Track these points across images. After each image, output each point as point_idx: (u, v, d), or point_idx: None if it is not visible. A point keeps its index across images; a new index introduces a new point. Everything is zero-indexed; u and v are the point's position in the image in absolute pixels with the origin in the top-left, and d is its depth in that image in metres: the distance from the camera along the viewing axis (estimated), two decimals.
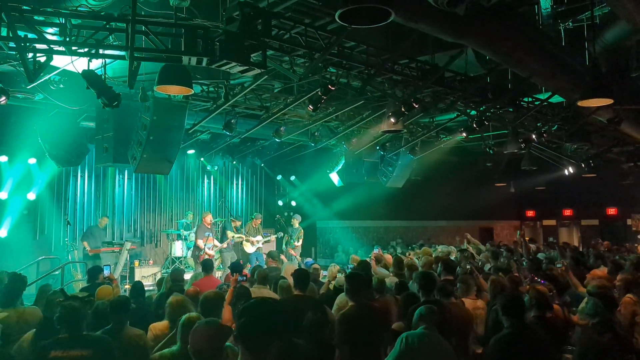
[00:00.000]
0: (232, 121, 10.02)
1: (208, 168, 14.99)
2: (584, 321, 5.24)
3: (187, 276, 8.41)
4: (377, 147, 13.59)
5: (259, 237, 12.66)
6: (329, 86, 7.84)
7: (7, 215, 10.71)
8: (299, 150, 14.84)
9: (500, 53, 7.63)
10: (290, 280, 5.84)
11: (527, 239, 16.80)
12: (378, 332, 4.62)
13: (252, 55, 6.42)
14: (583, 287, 6.20)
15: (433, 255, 8.68)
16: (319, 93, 8.09)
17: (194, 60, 6.05)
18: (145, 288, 10.32)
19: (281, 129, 11.14)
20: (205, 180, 15.25)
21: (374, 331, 4.60)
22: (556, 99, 10.20)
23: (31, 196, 11.02)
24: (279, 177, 16.62)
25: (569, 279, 6.64)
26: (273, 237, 13.39)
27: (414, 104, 8.76)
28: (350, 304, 4.70)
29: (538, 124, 11.37)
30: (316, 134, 12.08)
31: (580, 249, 13.25)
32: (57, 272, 10.37)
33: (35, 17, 5.64)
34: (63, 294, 4.26)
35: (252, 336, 2.40)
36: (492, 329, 4.89)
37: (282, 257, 11.51)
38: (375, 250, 8.64)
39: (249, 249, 12.52)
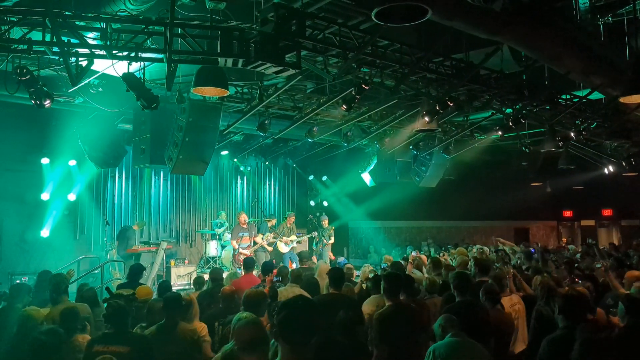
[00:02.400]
0: (266, 122, 10.11)
1: (241, 169, 15.17)
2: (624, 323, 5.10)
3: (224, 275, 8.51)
4: (410, 147, 13.49)
5: (293, 237, 12.71)
6: (363, 85, 7.82)
7: (49, 215, 11.03)
8: (331, 151, 14.86)
9: (537, 50, 7.49)
10: (325, 279, 5.86)
11: (564, 240, 16.49)
12: (416, 332, 4.59)
13: (286, 56, 6.47)
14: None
15: (469, 256, 8.56)
16: (353, 92, 8.09)
17: (229, 61, 6.13)
18: (181, 287, 10.66)
19: (314, 129, 11.18)
20: (239, 181, 15.44)
21: (412, 331, 4.57)
22: (595, 95, 9.94)
23: (71, 197, 11.33)
24: (310, 178, 16.67)
25: (609, 281, 6.47)
26: (305, 238, 13.47)
27: (449, 103, 8.67)
28: (387, 304, 4.69)
29: (576, 122, 11.10)
30: (349, 134, 12.07)
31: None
32: (96, 271, 10.67)
33: (77, 22, 5.80)
34: (108, 292, 4.37)
35: (291, 330, 2.40)
36: (537, 329, 4.81)
37: (314, 258, 11.52)
38: (414, 253, 8.57)
39: (282, 249, 12.59)
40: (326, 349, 2.87)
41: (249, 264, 7.34)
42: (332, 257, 12.93)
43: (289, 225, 12.87)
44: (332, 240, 13.45)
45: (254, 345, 2.73)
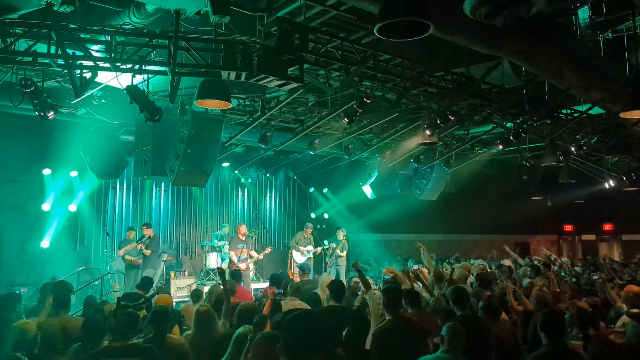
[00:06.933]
0: (268, 134, 10.15)
1: (242, 181, 15.17)
2: (621, 340, 5.08)
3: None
4: (411, 160, 13.51)
5: (310, 247, 12.78)
6: (365, 99, 7.86)
7: (49, 226, 11.02)
8: (332, 163, 14.87)
9: (538, 65, 7.52)
10: (326, 291, 5.85)
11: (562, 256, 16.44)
12: (416, 347, 4.55)
13: (289, 70, 6.51)
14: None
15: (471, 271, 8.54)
16: (354, 106, 8.13)
17: (233, 74, 6.17)
18: (180, 299, 10.62)
19: (315, 141, 11.21)
20: (240, 193, 15.42)
21: (412, 345, 4.53)
22: (596, 110, 9.97)
23: (72, 208, 11.32)
24: (311, 190, 16.67)
25: (606, 293, 6.44)
26: (319, 249, 13.54)
27: (450, 116, 8.70)
28: (387, 318, 4.67)
29: (577, 136, 11.14)
30: (350, 146, 12.10)
31: None
32: (96, 282, 10.65)
33: (82, 35, 5.86)
34: (117, 302, 4.34)
35: (297, 348, 2.38)
36: (531, 344, 4.79)
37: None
38: (415, 267, 8.56)
39: (298, 258, 12.61)
40: None
41: (235, 275, 7.37)
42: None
43: (306, 236, 12.98)
44: (344, 253, 13.47)
45: None
